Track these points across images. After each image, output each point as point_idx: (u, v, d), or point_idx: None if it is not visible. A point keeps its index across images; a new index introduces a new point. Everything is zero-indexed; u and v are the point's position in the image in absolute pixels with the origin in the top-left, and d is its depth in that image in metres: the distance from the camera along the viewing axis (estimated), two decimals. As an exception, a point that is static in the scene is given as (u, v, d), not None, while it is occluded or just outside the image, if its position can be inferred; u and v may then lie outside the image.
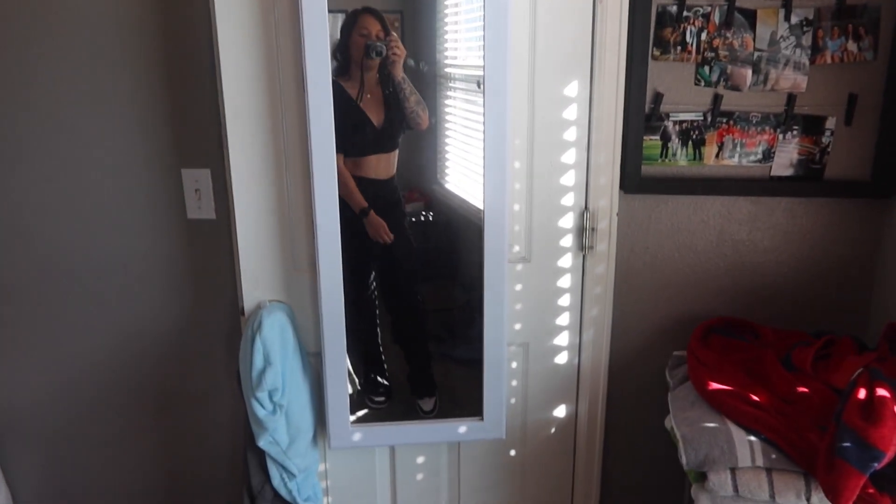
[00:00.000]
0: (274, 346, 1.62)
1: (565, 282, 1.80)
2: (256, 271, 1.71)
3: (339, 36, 1.69)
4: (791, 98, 1.67)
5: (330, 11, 1.64)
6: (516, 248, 1.78)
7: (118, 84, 1.71)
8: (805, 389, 1.50)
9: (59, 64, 1.69)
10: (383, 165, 1.79)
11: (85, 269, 1.84)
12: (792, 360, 1.59)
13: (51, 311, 1.87)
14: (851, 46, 1.63)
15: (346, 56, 1.69)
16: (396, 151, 1.80)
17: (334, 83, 1.64)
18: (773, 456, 1.39)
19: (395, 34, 1.71)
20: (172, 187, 1.78)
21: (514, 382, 1.87)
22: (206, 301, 1.87)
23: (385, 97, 1.73)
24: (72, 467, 2.02)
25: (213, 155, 1.74)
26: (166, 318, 1.88)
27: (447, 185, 2.10)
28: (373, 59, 1.67)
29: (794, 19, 1.62)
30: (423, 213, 2.11)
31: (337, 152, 1.57)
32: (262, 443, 1.65)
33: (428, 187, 2.08)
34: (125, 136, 1.74)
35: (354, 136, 1.70)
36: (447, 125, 2.04)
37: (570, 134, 1.71)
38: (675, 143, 1.72)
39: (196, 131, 1.74)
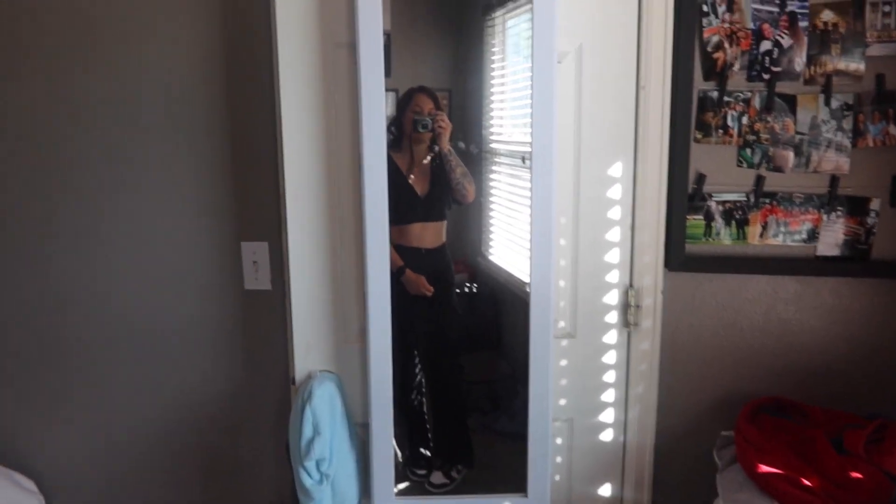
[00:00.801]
0: (323, 415, 1.66)
1: (610, 358, 1.82)
2: (308, 341, 1.76)
3: (395, 111, 1.79)
4: (834, 179, 1.70)
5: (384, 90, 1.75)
6: (561, 324, 1.81)
7: (185, 158, 1.82)
8: (858, 474, 1.47)
9: (131, 137, 1.81)
10: (429, 235, 1.85)
11: (144, 333, 1.92)
12: (843, 442, 1.56)
13: (110, 373, 1.94)
14: (893, 130, 1.66)
15: (399, 130, 1.79)
16: (444, 223, 1.86)
17: (387, 157, 1.73)
18: (828, 543, 1.36)
19: (441, 110, 1.80)
20: (232, 259, 1.86)
21: (559, 459, 1.86)
22: (258, 369, 1.92)
23: (432, 169, 1.81)
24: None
25: (272, 228, 1.83)
26: (219, 384, 1.94)
27: (491, 258, 2.15)
28: (419, 132, 1.76)
29: (834, 104, 1.67)
30: (468, 284, 2.15)
31: None
32: (308, 513, 1.67)
33: (472, 259, 2.14)
34: (191, 210, 1.84)
35: (399, 205, 1.77)
36: (492, 198, 2.10)
37: (615, 212, 1.76)
38: (718, 222, 1.75)
39: (256, 206, 1.83)
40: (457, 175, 1.78)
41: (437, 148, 1.80)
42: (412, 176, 1.82)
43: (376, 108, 1.58)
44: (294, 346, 1.76)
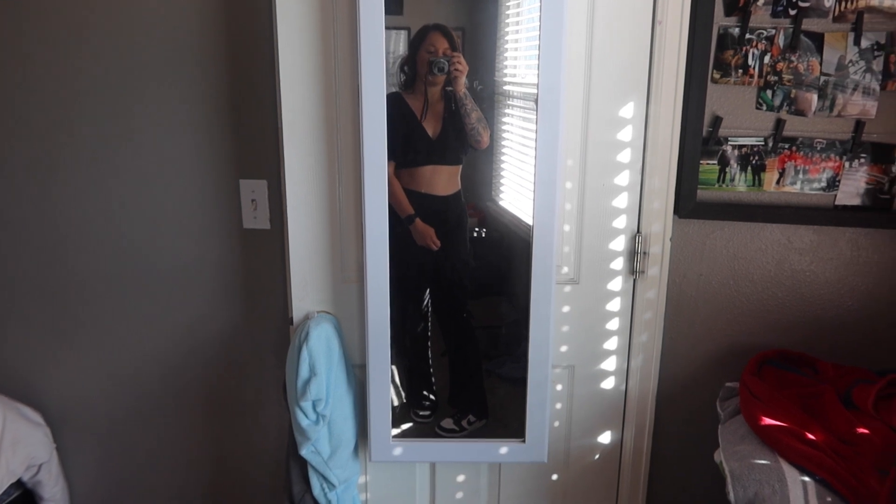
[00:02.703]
0: (320, 356, 1.64)
1: (614, 305, 1.77)
2: (306, 281, 1.74)
3: (408, 51, 1.71)
4: (859, 125, 1.61)
5: (396, 28, 1.67)
6: (565, 270, 1.76)
7: (184, 96, 1.77)
8: (866, 430, 1.43)
9: (132, 75, 1.77)
10: (441, 179, 1.79)
11: (146, 270, 1.91)
12: (852, 398, 1.51)
13: (113, 308, 1.95)
14: (926, 72, 1.56)
15: (413, 70, 1.71)
16: (457, 168, 1.79)
17: (398, 96, 1.68)
18: (829, 499, 1.33)
19: (457, 49, 1.72)
20: (231, 197, 1.83)
21: (559, 405, 1.84)
22: (257, 309, 1.91)
23: (445, 112, 1.74)
24: (124, 461, 2.09)
25: (271, 166, 1.79)
26: (219, 323, 1.93)
27: (501, 203, 2.10)
28: (435, 74, 1.68)
29: (864, 43, 1.56)
30: (477, 229, 2.11)
31: (390, 160, 1.61)
32: (305, 452, 1.67)
33: (482, 204, 2.08)
34: (189, 147, 1.81)
35: (409, 147, 1.73)
36: (504, 143, 2.03)
37: (625, 155, 1.68)
38: (733, 167, 1.67)
39: (255, 143, 1.79)
40: (472, 120, 1.71)
41: (451, 90, 1.73)
42: (424, 117, 1.75)
43: (375, 43, 1.51)
44: (291, 286, 1.73)
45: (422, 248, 1.83)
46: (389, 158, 1.63)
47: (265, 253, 1.86)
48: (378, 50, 1.51)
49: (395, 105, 1.69)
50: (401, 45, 1.79)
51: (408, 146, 1.74)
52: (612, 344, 1.79)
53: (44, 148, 1.84)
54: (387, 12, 1.55)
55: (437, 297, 1.93)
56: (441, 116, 1.75)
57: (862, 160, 1.63)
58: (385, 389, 1.71)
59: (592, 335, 1.79)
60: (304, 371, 1.64)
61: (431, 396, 1.97)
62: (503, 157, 2.06)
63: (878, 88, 1.58)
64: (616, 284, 1.76)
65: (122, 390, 2.02)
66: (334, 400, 1.69)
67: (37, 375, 2.03)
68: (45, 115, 1.81)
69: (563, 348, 1.80)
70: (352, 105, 1.63)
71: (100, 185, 1.86)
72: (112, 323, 1.96)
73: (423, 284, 1.91)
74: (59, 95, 1.80)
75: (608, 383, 1.82)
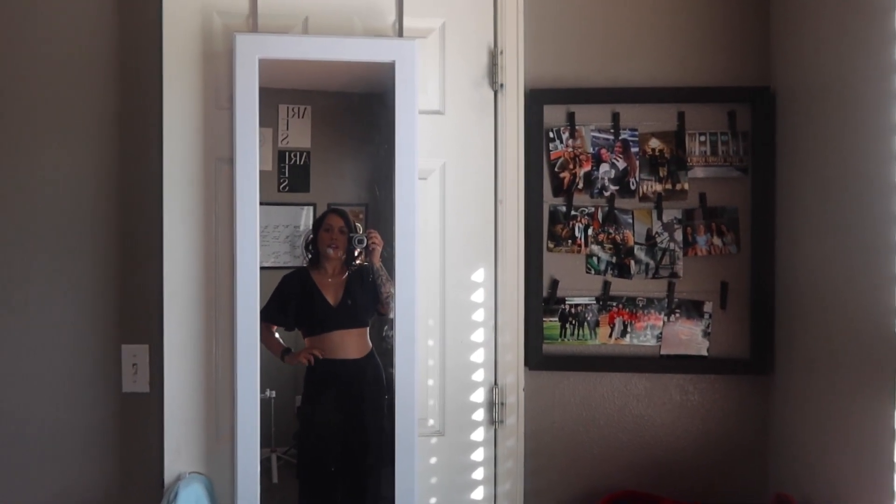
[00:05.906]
0: (186, 516, 1.66)
1: (478, 455, 1.89)
2: (179, 442, 1.79)
3: (312, 231, 1.91)
4: (671, 285, 1.89)
5: (303, 204, 1.92)
6: (431, 422, 1.88)
7: (73, 263, 1.89)
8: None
9: (23, 237, 1.88)
10: (351, 343, 1.89)
11: (20, 434, 1.89)
12: (689, 531, 1.64)
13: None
14: (717, 241, 1.88)
15: (315, 247, 1.90)
16: (364, 329, 1.91)
17: (304, 271, 1.89)
18: None
19: (352, 227, 1.91)
20: (112, 361, 1.90)
21: (430, 559, 1.87)
22: (133, 473, 1.91)
23: (346, 281, 1.90)
24: None
25: (154, 331, 1.88)
26: (92, 488, 1.91)
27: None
28: (356, 247, 1.87)
29: (665, 218, 1.89)
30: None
31: (291, 329, 1.89)
32: None
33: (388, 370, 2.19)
34: (74, 312, 1.89)
35: (313, 316, 1.90)
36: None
37: (479, 315, 1.89)
38: (572, 324, 1.90)
39: (139, 309, 1.89)
40: (387, 289, 1.86)
41: (356, 263, 1.91)
42: (324, 288, 1.91)
43: (250, 218, 1.72)
44: (164, 447, 1.78)
45: (334, 417, 1.89)
46: (294, 328, 1.88)
47: (143, 416, 1.90)
48: (252, 228, 1.72)
49: (301, 279, 1.89)
50: (309, 220, 1.97)
51: (312, 315, 1.89)
52: (478, 494, 1.88)
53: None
54: (294, 190, 1.88)
55: (350, 465, 1.93)
56: (343, 287, 1.91)
57: (677, 315, 1.89)
58: (254, 549, 1.72)
59: (459, 486, 1.88)
60: (170, 533, 1.64)
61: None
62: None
63: (681, 254, 1.88)
64: (479, 434, 1.89)
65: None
66: (202, 563, 1.68)
67: None
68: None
69: (433, 500, 1.87)
70: (229, 274, 1.78)
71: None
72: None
73: (334, 450, 1.92)
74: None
75: (476, 533, 1.88)
